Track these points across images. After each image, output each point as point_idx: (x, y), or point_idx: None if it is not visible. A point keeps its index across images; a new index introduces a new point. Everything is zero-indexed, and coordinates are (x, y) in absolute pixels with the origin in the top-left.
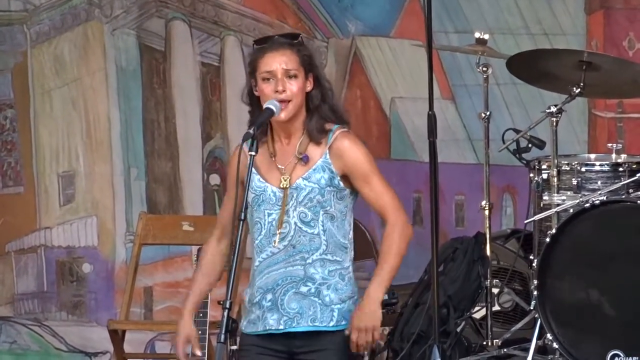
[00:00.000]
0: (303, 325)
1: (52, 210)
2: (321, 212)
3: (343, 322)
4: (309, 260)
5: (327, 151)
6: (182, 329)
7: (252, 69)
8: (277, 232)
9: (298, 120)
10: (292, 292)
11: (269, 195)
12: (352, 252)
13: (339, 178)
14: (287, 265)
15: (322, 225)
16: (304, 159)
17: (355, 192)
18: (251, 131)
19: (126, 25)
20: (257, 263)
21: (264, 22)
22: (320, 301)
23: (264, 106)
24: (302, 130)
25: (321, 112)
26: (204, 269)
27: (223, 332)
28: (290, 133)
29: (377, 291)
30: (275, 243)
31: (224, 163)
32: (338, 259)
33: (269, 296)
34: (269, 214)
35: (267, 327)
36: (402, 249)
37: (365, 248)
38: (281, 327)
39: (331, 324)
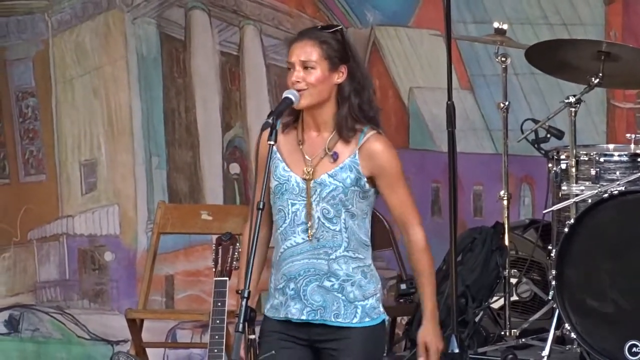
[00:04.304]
0: (327, 320)
1: (74, 198)
2: (343, 210)
3: (366, 320)
4: (333, 256)
5: (357, 151)
6: None
7: None
8: (308, 224)
9: (326, 112)
10: (316, 284)
11: (293, 185)
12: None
13: (365, 179)
14: (310, 257)
15: (344, 223)
16: (334, 156)
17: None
18: (270, 120)
19: (147, 14)
20: (281, 250)
21: (282, 12)
22: (344, 297)
23: (283, 95)
24: (333, 124)
25: (351, 107)
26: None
27: (241, 321)
28: (319, 124)
29: (434, 312)
30: (309, 236)
31: (244, 152)
32: (360, 256)
33: (292, 285)
34: (293, 204)
35: (289, 316)
36: (431, 262)
37: (383, 237)
38: (303, 317)
39: (354, 320)
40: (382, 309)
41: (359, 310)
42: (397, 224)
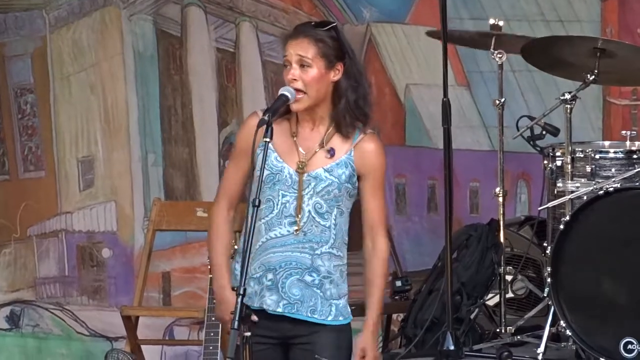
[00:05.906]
0: (302, 314)
1: (72, 195)
2: (335, 207)
3: (340, 318)
4: (318, 252)
5: (353, 149)
6: (228, 305)
7: None
8: (297, 218)
9: (322, 109)
10: (296, 278)
11: (285, 176)
12: None
13: (356, 177)
14: (294, 250)
15: (335, 219)
16: (331, 152)
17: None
18: (266, 117)
19: (143, 11)
20: (264, 239)
21: (278, 8)
22: (322, 294)
23: (279, 92)
24: (329, 119)
25: (348, 104)
26: (224, 239)
27: (237, 318)
28: (315, 119)
29: (377, 322)
30: (296, 232)
31: None
32: (341, 254)
33: (270, 275)
34: (283, 195)
35: (265, 306)
36: (387, 274)
37: None
38: (279, 309)
39: (329, 318)
40: (349, 310)
41: (333, 309)
42: (365, 226)
